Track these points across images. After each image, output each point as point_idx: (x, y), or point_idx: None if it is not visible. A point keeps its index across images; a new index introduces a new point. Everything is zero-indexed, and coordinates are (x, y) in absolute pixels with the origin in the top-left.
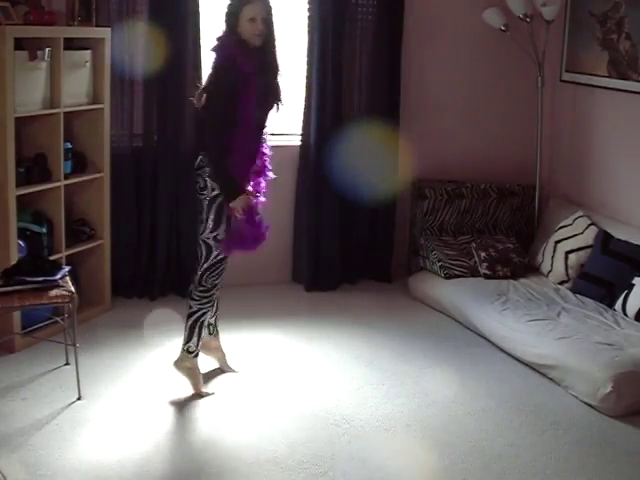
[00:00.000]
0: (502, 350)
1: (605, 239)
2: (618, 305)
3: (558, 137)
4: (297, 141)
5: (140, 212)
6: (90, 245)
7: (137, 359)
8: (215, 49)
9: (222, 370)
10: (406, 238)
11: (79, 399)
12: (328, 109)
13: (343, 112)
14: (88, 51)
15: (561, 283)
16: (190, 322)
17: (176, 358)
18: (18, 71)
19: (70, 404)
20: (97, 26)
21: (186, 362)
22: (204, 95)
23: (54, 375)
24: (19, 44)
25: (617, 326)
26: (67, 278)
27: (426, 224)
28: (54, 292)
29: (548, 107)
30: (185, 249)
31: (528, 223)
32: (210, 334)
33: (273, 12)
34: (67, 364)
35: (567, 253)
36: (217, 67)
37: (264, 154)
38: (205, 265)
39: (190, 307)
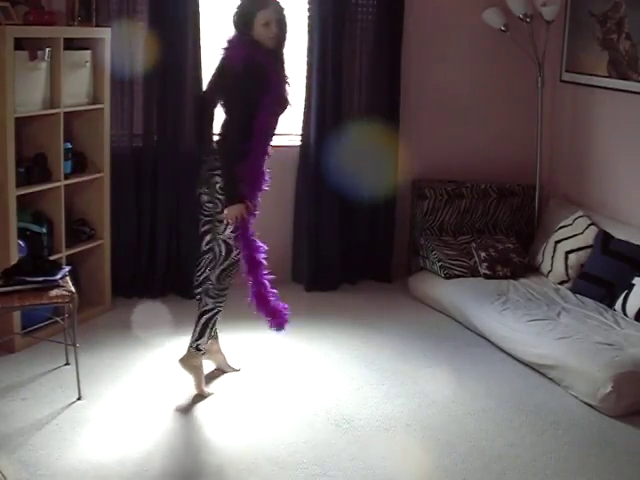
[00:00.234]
0: (502, 350)
1: (605, 239)
2: (618, 305)
3: (558, 137)
4: (297, 141)
5: (140, 212)
6: (90, 245)
7: (137, 359)
8: (228, 48)
9: (222, 371)
10: (406, 238)
11: (79, 399)
12: (328, 109)
13: (343, 112)
14: (88, 51)
15: (561, 283)
16: (203, 320)
17: (182, 355)
18: (18, 71)
19: (70, 404)
20: (97, 26)
21: (193, 360)
22: (219, 90)
23: (54, 375)
24: (19, 44)
25: (617, 326)
26: (67, 278)
27: (426, 224)
28: (54, 292)
29: (548, 107)
30: (185, 249)
31: (528, 223)
32: (211, 336)
33: (286, 13)
34: (67, 364)
35: (567, 253)
36: (241, 66)
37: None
38: (225, 264)
39: (205, 305)
